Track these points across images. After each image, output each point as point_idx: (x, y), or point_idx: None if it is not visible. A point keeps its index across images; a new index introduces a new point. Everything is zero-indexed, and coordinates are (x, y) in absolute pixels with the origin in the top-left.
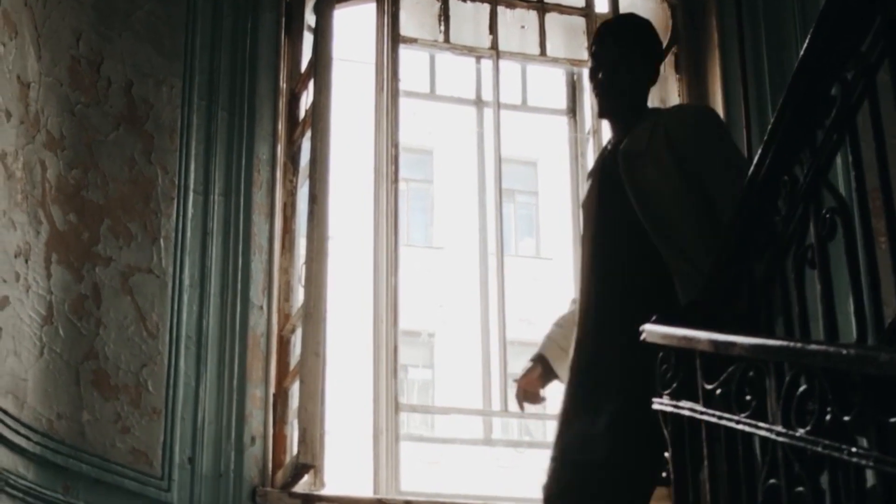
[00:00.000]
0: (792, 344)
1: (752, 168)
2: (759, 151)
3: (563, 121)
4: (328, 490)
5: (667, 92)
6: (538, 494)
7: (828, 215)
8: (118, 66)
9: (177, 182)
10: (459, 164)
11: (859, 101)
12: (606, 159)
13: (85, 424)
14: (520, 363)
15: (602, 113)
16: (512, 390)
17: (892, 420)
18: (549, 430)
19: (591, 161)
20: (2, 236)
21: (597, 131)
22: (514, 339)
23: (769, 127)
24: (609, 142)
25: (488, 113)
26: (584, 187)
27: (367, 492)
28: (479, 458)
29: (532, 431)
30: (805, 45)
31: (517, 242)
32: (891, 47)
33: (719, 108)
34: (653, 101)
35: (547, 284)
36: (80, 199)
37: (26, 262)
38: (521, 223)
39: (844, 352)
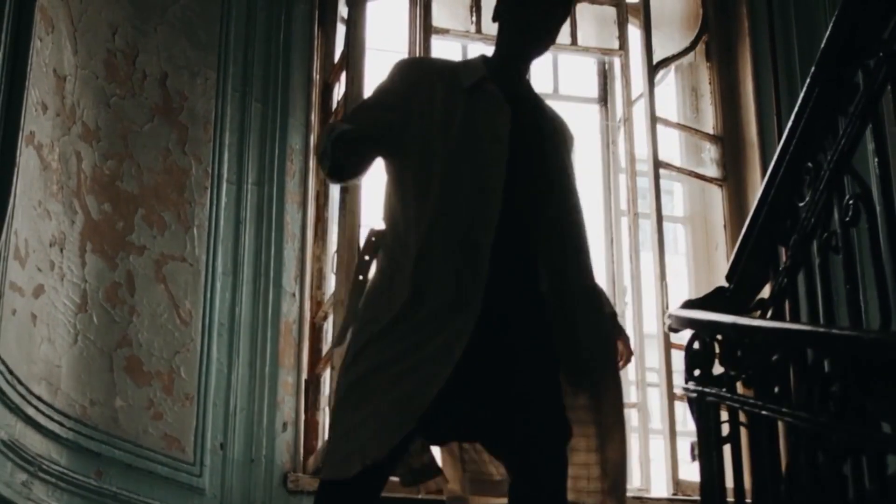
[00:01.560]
0: (815, 329)
1: (776, 153)
2: (783, 138)
3: (595, 109)
4: None
5: (697, 80)
6: None
7: (851, 201)
8: (153, 59)
9: (210, 172)
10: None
11: (882, 87)
12: (523, 115)
13: (118, 410)
14: None
15: (531, 60)
16: None
17: None
18: None
19: (622, 149)
20: (37, 226)
21: (628, 119)
22: None
23: (794, 112)
24: (487, 77)
25: None
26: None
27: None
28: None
29: None
30: (828, 32)
31: None
32: None
33: (749, 96)
34: (683, 88)
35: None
36: (114, 189)
37: (61, 251)
38: None
39: (867, 337)
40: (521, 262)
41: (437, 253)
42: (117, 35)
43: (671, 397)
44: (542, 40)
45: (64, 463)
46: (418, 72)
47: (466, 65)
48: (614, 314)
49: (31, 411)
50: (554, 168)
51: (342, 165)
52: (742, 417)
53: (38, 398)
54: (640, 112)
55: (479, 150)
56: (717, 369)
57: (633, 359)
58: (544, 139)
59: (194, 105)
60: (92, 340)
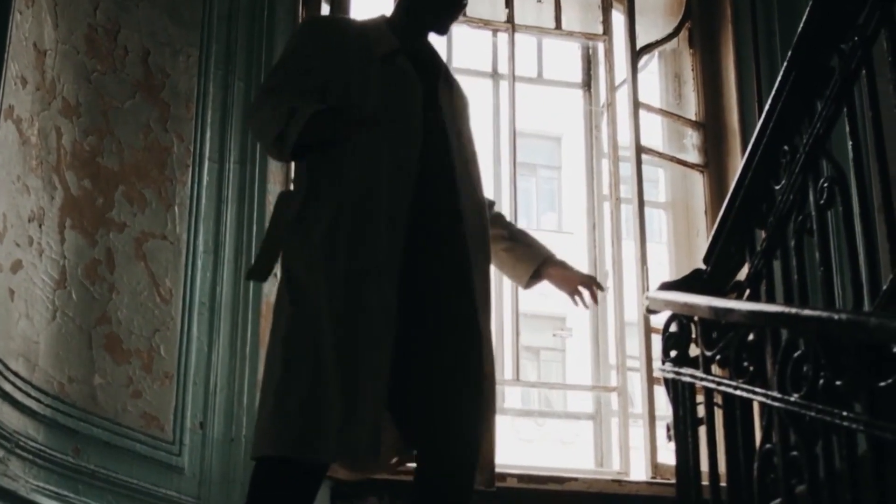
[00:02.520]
0: (787, 310)
1: (753, 137)
2: (761, 121)
3: (578, 94)
4: None
5: (680, 67)
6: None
7: (826, 184)
8: (135, 35)
9: (192, 150)
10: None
11: (856, 71)
12: (431, 86)
13: (96, 388)
14: (532, 335)
15: (447, 30)
16: (525, 359)
17: (882, 384)
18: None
19: (605, 134)
20: (16, 201)
21: (611, 104)
22: (527, 312)
23: (770, 96)
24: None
25: (504, 86)
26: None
27: None
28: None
29: (552, 402)
30: (804, 17)
31: (539, 217)
32: (886, 18)
33: (732, 83)
34: (666, 75)
35: (569, 259)
36: (94, 165)
37: (40, 226)
38: (543, 198)
39: (837, 317)
40: (439, 231)
41: (358, 226)
42: (98, 10)
43: (651, 381)
44: (460, 10)
45: (41, 440)
46: (330, 34)
47: (375, 29)
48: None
49: (8, 387)
50: (462, 138)
51: (307, 145)
52: (717, 399)
53: (16, 374)
54: (623, 97)
55: (396, 129)
56: (694, 351)
57: (612, 341)
58: (452, 109)
59: (176, 82)
60: (71, 317)
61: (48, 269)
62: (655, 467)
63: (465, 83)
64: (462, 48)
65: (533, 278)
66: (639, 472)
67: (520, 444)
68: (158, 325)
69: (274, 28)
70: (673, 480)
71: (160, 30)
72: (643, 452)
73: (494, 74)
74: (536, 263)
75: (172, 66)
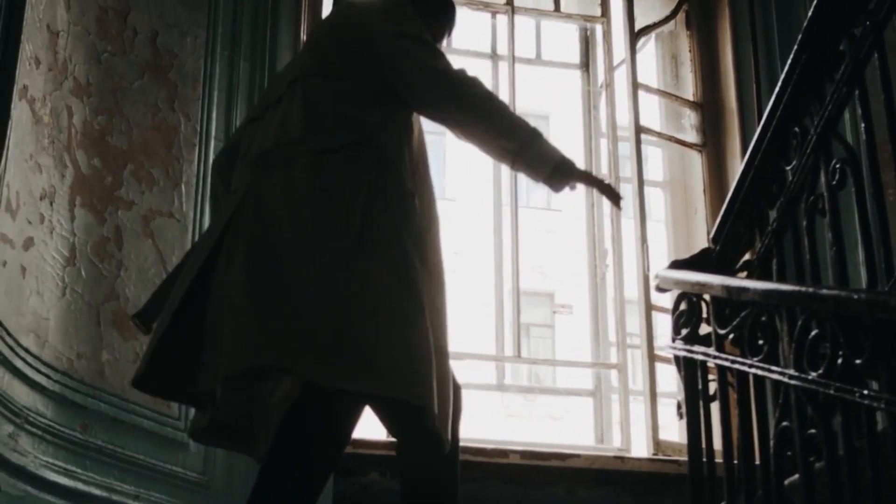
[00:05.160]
0: (804, 289)
1: (763, 119)
2: (771, 102)
3: (576, 75)
4: None
5: (678, 48)
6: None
7: (838, 165)
8: (144, 17)
9: (199, 129)
10: None
11: (868, 55)
12: None
13: (104, 364)
14: (532, 312)
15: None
16: (528, 337)
17: None
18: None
19: (603, 114)
20: (28, 179)
21: (609, 84)
22: (526, 289)
23: (781, 78)
24: None
25: (503, 67)
26: None
27: (381, 435)
28: (490, 406)
29: (541, 378)
30: (815, 0)
31: (528, 194)
32: None
33: (729, 64)
34: (663, 56)
35: (558, 236)
36: (104, 144)
37: (51, 204)
38: None
39: (856, 296)
40: None
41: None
42: None
43: (652, 359)
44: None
45: (50, 415)
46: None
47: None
48: None
49: (18, 363)
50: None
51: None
52: (729, 377)
53: (27, 350)
54: (621, 78)
55: None
56: (704, 330)
57: (612, 319)
58: None
59: (184, 63)
60: (80, 294)
61: (58, 247)
62: (657, 444)
63: (463, 64)
64: (462, 29)
65: None
66: (639, 449)
67: (509, 421)
68: None
69: (279, 10)
70: (675, 457)
71: (168, 11)
72: (643, 429)
73: (494, 55)
74: None
75: (180, 47)
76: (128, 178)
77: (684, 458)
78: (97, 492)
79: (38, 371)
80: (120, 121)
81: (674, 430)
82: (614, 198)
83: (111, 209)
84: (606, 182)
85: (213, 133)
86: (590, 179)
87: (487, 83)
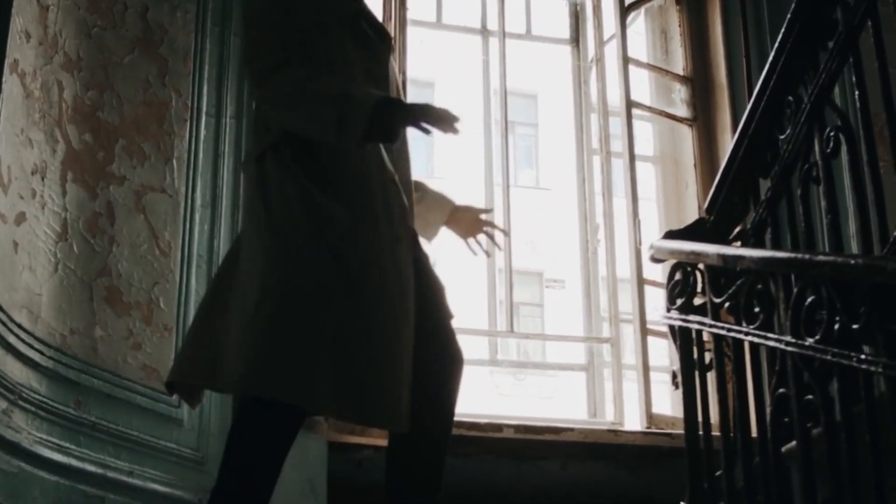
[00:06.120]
0: (800, 256)
1: (757, 88)
2: (764, 72)
3: (566, 50)
4: None
5: (667, 23)
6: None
7: (832, 133)
8: None
9: (190, 104)
10: (463, 96)
11: (861, 24)
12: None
13: (97, 340)
14: (523, 289)
15: None
16: (517, 315)
17: None
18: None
19: (593, 89)
20: (19, 154)
21: (599, 60)
22: (517, 267)
23: (774, 48)
24: None
25: (493, 42)
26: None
27: None
28: (481, 384)
29: (531, 354)
30: None
31: (517, 173)
32: None
33: (719, 38)
34: (653, 31)
35: (547, 214)
36: (95, 119)
37: (42, 179)
38: (521, 155)
39: (853, 262)
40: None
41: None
42: None
43: (644, 333)
44: None
45: (43, 392)
46: None
47: None
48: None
49: (12, 339)
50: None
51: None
52: (725, 346)
53: (20, 326)
54: (611, 53)
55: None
56: (698, 300)
57: (604, 294)
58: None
59: (174, 38)
60: (72, 269)
61: (50, 222)
62: (650, 418)
63: (452, 40)
64: (451, 5)
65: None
66: (632, 423)
67: (500, 400)
68: (158, 277)
69: None
70: (668, 430)
71: None
72: (637, 403)
73: (484, 31)
74: (447, 211)
75: (170, 21)
76: (119, 154)
77: (678, 431)
78: (91, 468)
79: (32, 347)
80: (111, 96)
81: (666, 404)
82: (448, 121)
83: (103, 184)
84: (436, 110)
85: (203, 108)
86: (414, 120)
87: (478, 59)
